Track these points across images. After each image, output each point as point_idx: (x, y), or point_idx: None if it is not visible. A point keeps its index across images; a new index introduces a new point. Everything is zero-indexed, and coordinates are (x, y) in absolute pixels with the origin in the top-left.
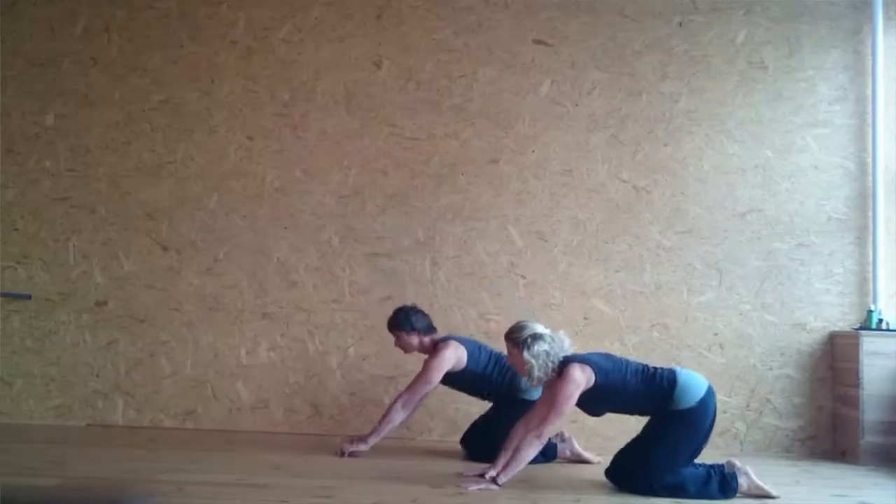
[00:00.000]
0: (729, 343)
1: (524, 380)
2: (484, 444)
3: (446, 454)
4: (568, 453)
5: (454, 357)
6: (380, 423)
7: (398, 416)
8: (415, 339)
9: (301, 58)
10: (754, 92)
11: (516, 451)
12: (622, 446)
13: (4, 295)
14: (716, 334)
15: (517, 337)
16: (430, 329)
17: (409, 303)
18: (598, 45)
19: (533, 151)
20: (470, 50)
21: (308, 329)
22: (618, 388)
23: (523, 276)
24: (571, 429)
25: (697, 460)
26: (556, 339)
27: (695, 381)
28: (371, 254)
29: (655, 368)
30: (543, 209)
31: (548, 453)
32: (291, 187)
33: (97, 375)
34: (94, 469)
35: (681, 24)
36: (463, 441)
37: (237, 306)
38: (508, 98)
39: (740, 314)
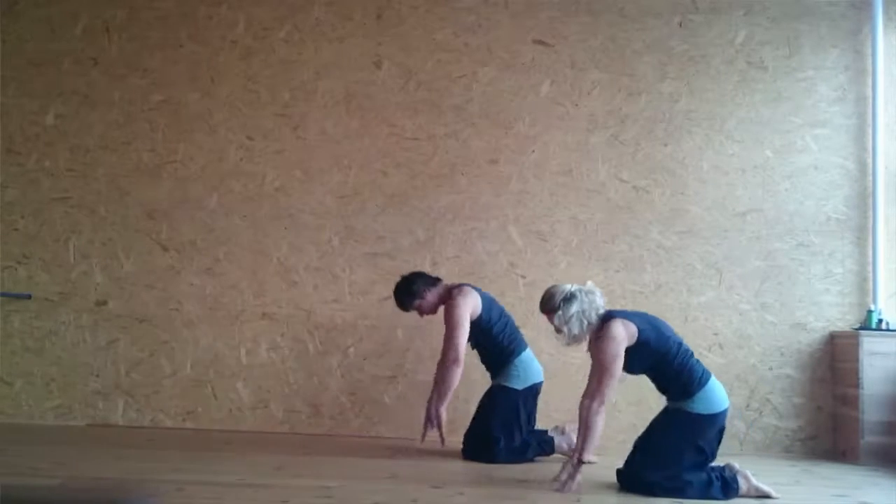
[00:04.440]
0: (729, 343)
1: (515, 359)
2: (479, 443)
3: (446, 454)
4: (565, 447)
5: (472, 303)
6: (438, 385)
7: (453, 378)
8: (431, 297)
9: (301, 58)
10: (754, 92)
11: (585, 426)
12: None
13: (4, 295)
14: (715, 334)
15: (551, 306)
16: (435, 280)
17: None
18: (598, 45)
19: (533, 151)
20: (470, 50)
21: (308, 329)
22: (660, 352)
23: (523, 276)
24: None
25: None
26: (587, 293)
27: (721, 394)
28: (371, 254)
29: (697, 359)
30: (543, 209)
31: (545, 447)
32: (291, 187)
33: (97, 375)
34: (95, 469)
35: (681, 24)
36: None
37: (237, 306)
38: (508, 98)
39: (740, 314)
